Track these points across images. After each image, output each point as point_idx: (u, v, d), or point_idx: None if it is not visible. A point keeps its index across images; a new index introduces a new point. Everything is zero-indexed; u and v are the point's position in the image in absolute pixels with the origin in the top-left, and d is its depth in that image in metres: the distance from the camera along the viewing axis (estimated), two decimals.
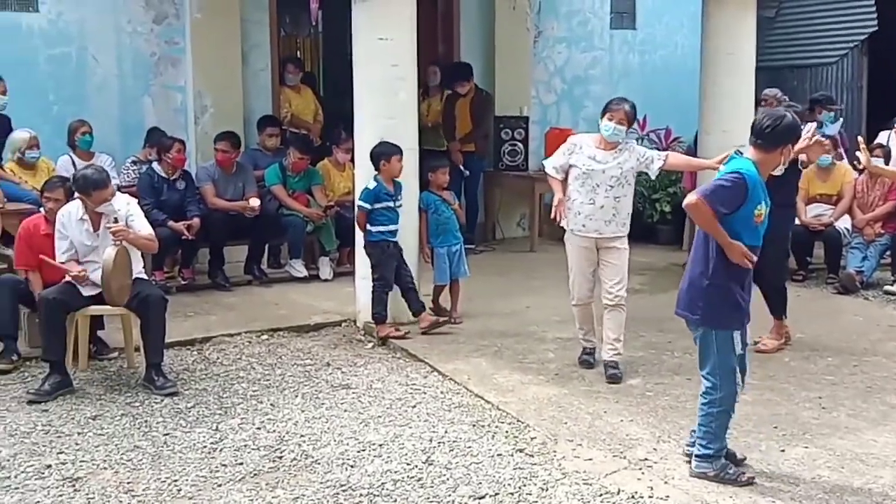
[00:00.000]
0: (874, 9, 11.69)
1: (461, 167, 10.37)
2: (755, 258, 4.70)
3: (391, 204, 7.23)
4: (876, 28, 11.75)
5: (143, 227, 6.31)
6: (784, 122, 4.72)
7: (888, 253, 9.05)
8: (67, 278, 6.19)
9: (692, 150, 9.58)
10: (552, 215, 6.43)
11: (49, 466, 4.98)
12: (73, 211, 6.24)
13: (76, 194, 6.24)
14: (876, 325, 7.67)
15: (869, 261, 8.95)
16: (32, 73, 8.91)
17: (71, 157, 8.50)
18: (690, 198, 4.67)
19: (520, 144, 10.88)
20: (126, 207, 6.29)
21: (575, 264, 6.40)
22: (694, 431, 4.93)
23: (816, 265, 9.35)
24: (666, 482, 4.77)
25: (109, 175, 6.31)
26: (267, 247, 9.21)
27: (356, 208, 7.31)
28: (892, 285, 8.64)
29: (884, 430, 5.43)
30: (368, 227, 7.21)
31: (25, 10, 8.91)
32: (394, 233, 7.26)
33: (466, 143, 10.48)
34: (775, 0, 12.23)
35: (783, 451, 5.15)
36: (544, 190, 9.78)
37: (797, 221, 9.13)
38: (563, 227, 6.46)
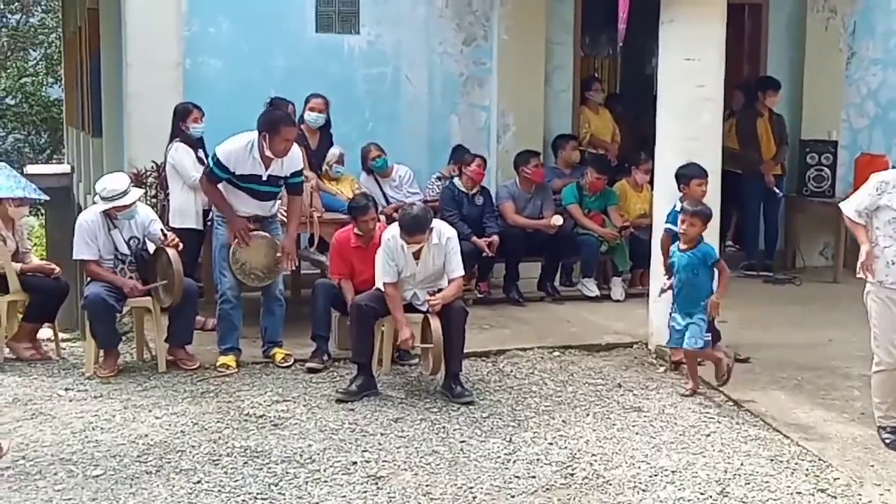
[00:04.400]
0: None
1: (775, 189, 10.10)
2: None
3: None
4: None
5: (457, 266, 6.52)
6: None
7: None
8: (378, 286, 6.54)
9: None
10: (858, 270, 5.56)
11: (354, 463, 5.28)
12: (398, 236, 6.47)
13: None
14: None
15: None
16: (351, 92, 9.50)
17: (372, 175, 8.96)
18: None
19: (826, 169, 10.41)
20: (447, 243, 6.50)
21: (885, 322, 5.54)
22: None
23: None
24: None
25: (431, 219, 6.52)
26: (560, 264, 9.34)
27: (663, 230, 7.13)
28: None
29: None
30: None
31: (348, 32, 9.54)
32: None
33: (775, 164, 10.20)
34: None
35: None
36: None
37: None
38: (861, 278, 5.62)
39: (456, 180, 8.96)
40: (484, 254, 8.65)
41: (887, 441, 5.56)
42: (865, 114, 11.08)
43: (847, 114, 10.97)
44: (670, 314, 6.56)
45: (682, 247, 6.48)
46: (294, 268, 7.00)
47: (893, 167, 9.60)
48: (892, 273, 5.48)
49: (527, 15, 9.65)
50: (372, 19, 9.55)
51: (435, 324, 6.26)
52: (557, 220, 8.95)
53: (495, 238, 8.67)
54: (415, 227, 6.35)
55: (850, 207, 5.62)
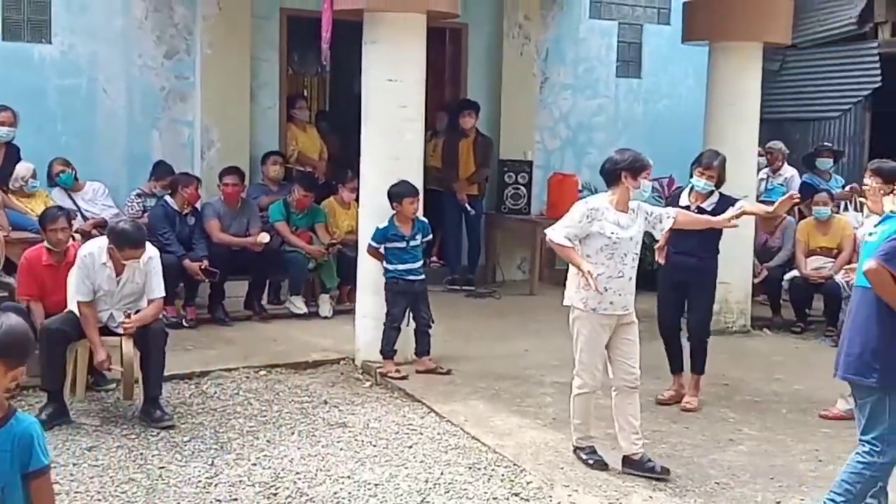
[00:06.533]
0: (878, 65, 11.78)
1: (467, 206, 10.46)
2: None
3: (402, 245, 7.24)
4: (879, 84, 11.82)
5: (157, 287, 6.32)
6: None
7: None
8: (71, 308, 6.20)
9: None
10: (567, 299, 5.60)
11: None
12: (95, 253, 6.20)
13: (109, 243, 6.19)
14: None
15: None
16: (42, 103, 9.00)
17: (64, 189, 8.54)
18: (870, 264, 4.46)
19: (523, 188, 10.91)
20: (148, 263, 6.29)
21: (593, 347, 5.51)
22: None
23: (815, 318, 9.40)
24: None
25: (146, 234, 6.35)
26: (268, 283, 9.25)
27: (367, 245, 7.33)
28: None
29: None
30: (385, 264, 7.24)
31: (38, 42, 9.03)
32: (409, 271, 7.26)
33: (470, 184, 10.58)
34: (780, 53, 12.30)
35: (779, 502, 5.14)
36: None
37: (797, 273, 9.26)
38: (568, 306, 5.61)
39: (168, 198, 8.68)
40: (196, 277, 8.43)
41: (590, 462, 5.56)
42: (557, 136, 11.76)
43: (541, 136, 11.59)
44: None
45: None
46: None
47: (582, 187, 10.29)
48: (606, 299, 5.43)
49: (231, 31, 9.53)
50: (65, 28, 9.09)
51: (126, 346, 6.01)
52: (264, 237, 8.85)
53: (206, 263, 8.47)
54: (134, 240, 6.09)
55: (558, 235, 5.48)
